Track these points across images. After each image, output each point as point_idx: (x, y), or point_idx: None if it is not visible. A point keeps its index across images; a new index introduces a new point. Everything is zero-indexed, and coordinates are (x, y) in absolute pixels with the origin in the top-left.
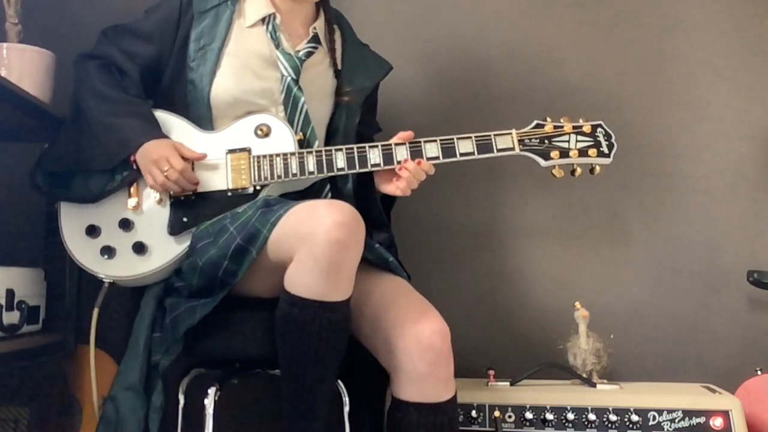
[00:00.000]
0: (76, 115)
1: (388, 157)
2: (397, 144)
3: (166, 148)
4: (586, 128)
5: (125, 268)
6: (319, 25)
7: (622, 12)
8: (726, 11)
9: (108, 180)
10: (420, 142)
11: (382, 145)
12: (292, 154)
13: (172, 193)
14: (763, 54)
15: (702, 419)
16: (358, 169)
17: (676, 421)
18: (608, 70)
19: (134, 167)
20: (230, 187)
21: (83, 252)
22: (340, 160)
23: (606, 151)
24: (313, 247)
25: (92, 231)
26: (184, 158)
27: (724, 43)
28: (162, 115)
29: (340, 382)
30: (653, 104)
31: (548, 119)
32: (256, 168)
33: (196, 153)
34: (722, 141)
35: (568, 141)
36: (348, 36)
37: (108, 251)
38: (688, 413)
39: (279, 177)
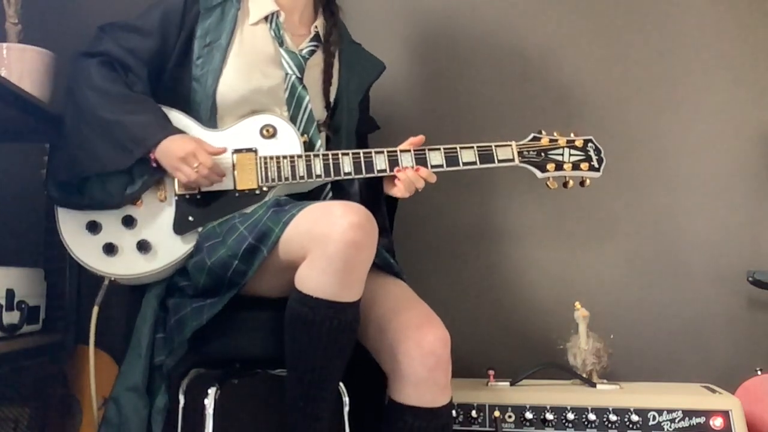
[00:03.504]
0: (78, 116)
1: (393, 163)
2: (402, 151)
3: (191, 143)
4: (578, 142)
5: (128, 266)
6: (320, 23)
7: (621, 12)
8: (725, 11)
9: (127, 182)
10: (424, 150)
11: (388, 152)
12: (299, 156)
13: (177, 190)
14: (763, 54)
15: (702, 419)
16: (364, 174)
17: (676, 421)
18: (608, 70)
19: (154, 165)
20: (237, 187)
21: (83, 249)
22: (347, 165)
23: (596, 165)
24: (328, 248)
25: (93, 227)
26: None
27: (723, 43)
28: (170, 114)
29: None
30: (653, 104)
31: (543, 132)
32: (263, 169)
33: (216, 148)
34: (722, 141)
35: (562, 154)
36: (344, 36)
37: (110, 249)
38: (688, 413)
39: (286, 179)
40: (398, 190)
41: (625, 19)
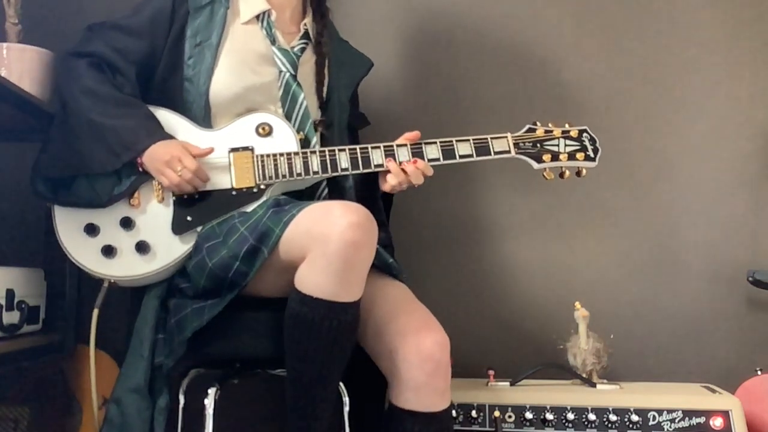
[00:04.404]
0: (67, 116)
1: (390, 158)
2: (399, 145)
3: (176, 148)
4: (573, 133)
5: (127, 268)
6: (308, 21)
7: (620, 12)
8: (724, 11)
9: (114, 183)
10: (421, 144)
11: (385, 146)
12: (296, 153)
13: (175, 192)
14: (764, 54)
15: (702, 419)
16: (361, 170)
17: (676, 421)
18: (607, 69)
19: (140, 169)
20: (235, 186)
21: (82, 251)
22: (343, 161)
23: (592, 155)
24: (327, 247)
25: (91, 230)
26: (193, 156)
27: (724, 43)
28: (162, 114)
29: (340, 382)
30: (653, 104)
31: (538, 123)
32: (260, 167)
33: (203, 149)
34: (722, 140)
35: (558, 145)
36: (332, 34)
37: (109, 251)
38: (688, 413)
39: (284, 176)
40: (388, 185)
41: (624, 17)
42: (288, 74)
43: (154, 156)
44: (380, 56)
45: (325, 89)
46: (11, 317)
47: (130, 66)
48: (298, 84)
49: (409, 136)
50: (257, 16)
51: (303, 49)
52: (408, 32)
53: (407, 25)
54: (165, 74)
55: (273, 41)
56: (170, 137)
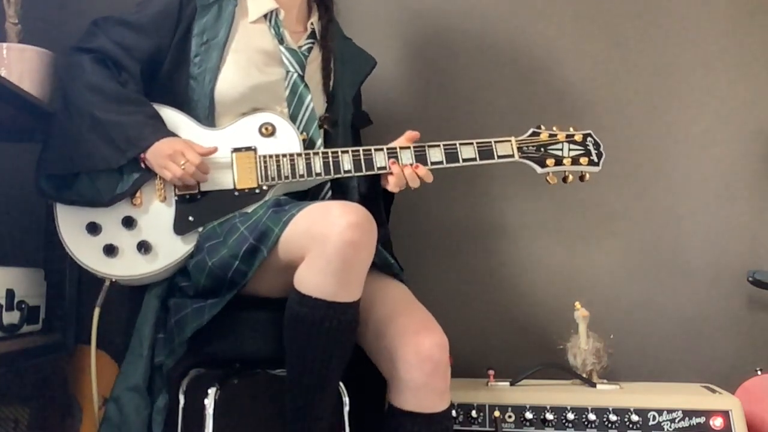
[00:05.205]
0: (69, 112)
1: (394, 160)
2: (402, 148)
3: (179, 143)
4: (578, 137)
5: (129, 267)
6: (315, 20)
7: (620, 13)
8: (724, 11)
9: (117, 181)
10: (424, 146)
11: (388, 149)
12: (299, 154)
13: (177, 190)
14: (763, 53)
15: (702, 419)
16: (364, 172)
17: (676, 421)
18: (607, 70)
19: (143, 166)
20: (237, 186)
21: (84, 250)
22: (346, 163)
23: (596, 159)
24: (326, 247)
25: (93, 229)
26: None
27: (723, 43)
28: (165, 112)
29: (340, 382)
30: (653, 104)
31: (542, 127)
32: (262, 168)
33: (206, 148)
34: (722, 141)
35: (562, 149)
36: (337, 31)
37: (110, 250)
38: (688, 413)
39: (286, 177)
40: (390, 186)
41: (626, 18)
42: (296, 74)
43: (157, 152)
44: (382, 56)
45: (331, 83)
46: (11, 317)
47: (135, 63)
48: (306, 85)
49: (409, 136)
50: (265, 15)
51: (310, 49)
52: (410, 32)
53: (409, 24)
54: (170, 72)
55: (281, 40)
56: (174, 135)
